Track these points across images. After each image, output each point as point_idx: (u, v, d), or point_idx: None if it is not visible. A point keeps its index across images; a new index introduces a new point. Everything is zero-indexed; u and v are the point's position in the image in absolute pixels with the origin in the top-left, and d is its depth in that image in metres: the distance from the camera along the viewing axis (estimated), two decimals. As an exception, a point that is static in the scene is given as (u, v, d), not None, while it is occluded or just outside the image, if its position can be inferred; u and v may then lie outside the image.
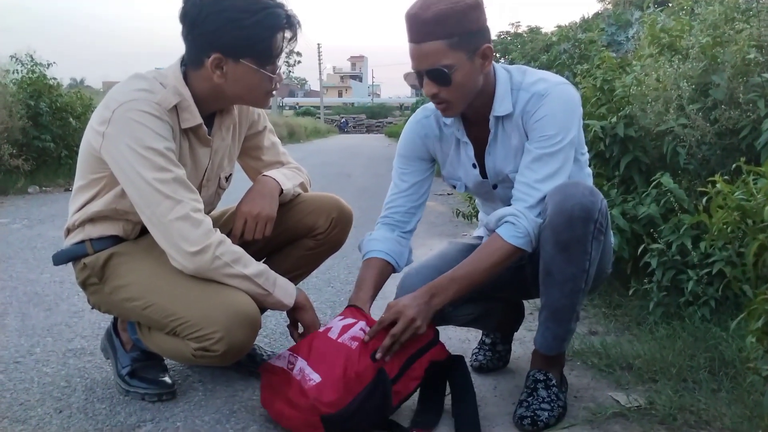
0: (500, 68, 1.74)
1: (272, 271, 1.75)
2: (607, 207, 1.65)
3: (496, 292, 1.92)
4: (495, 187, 1.84)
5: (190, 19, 1.66)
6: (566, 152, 1.65)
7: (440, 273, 1.69)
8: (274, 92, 1.79)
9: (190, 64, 1.72)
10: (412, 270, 1.87)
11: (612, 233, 1.85)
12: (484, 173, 1.83)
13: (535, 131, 1.66)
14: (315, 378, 1.58)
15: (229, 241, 1.69)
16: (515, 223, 1.61)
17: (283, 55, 1.74)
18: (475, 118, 1.74)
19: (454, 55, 1.57)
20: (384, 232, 1.91)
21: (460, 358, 1.78)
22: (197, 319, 1.64)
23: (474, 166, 1.82)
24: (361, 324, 1.67)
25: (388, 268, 1.87)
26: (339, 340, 1.63)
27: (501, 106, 1.70)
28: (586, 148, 1.85)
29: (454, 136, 1.82)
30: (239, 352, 1.70)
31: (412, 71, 1.65)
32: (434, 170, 1.96)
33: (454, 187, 1.93)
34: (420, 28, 1.57)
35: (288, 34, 1.71)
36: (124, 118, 1.61)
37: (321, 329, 1.72)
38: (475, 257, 1.65)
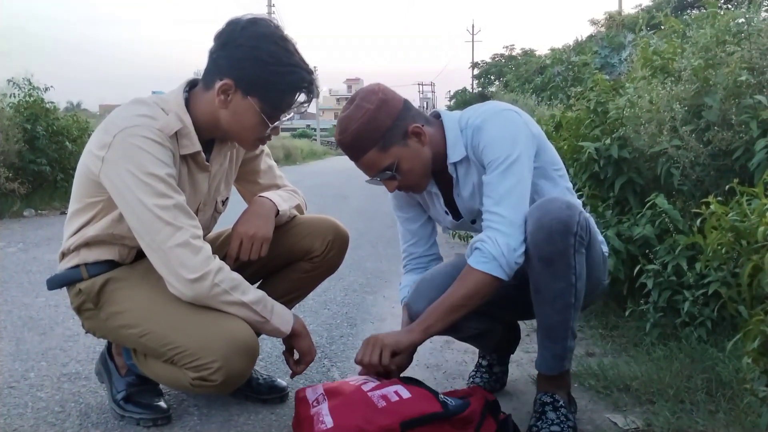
0: (450, 116, 1.80)
1: (270, 298, 1.75)
2: (587, 220, 1.67)
3: (500, 312, 1.95)
4: (473, 222, 1.89)
5: (223, 40, 1.68)
6: (518, 169, 1.66)
7: (452, 280, 1.71)
8: (265, 141, 1.83)
9: (203, 82, 1.73)
10: (427, 276, 1.90)
11: (602, 246, 1.85)
12: (457, 215, 1.88)
13: (485, 160, 1.70)
14: (327, 422, 1.52)
15: (227, 267, 1.68)
16: (481, 249, 1.64)
17: (290, 113, 1.77)
18: (438, 167, 1.79)
19: (388, 154, 1.69)
20: (411, 277, 1.99)
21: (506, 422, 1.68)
22: (195, 348, 1.63)
23: (446, 213, 1.89)
24: (398, 387, 1.60)
25: None
26: (369, 393, 1.58)
27: (455, 152, 1.76)
28: (561, 164, 1.86)
29: None
30: (237, 381, 1.69)
31: (370, 178, 1.75)
32: None
33: (441, 226, 2.00)
34: (349, 150, 1.70)
35: (302, 98, 1.74)
36: (126, 143, 1.61)
37: (358, 381, 1.65)
38: (453, 288, 1.68)
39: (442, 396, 1.61)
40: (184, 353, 1.64)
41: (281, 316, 1.76)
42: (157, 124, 1.65)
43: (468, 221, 1.89)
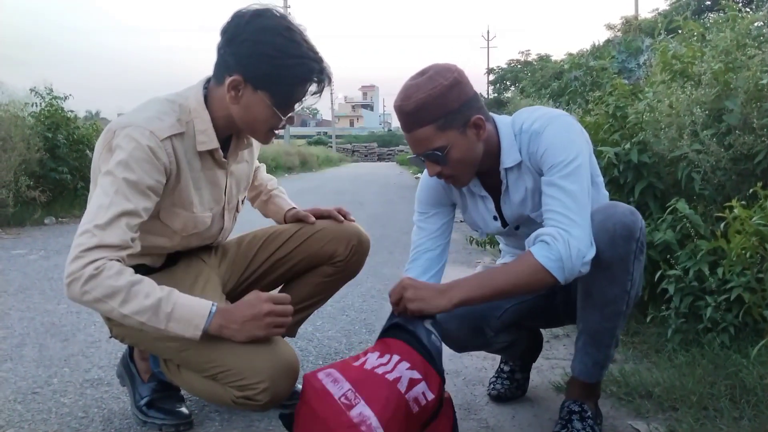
0: (502, 119, 1.75)
1: (173, 300, 1.57)
2: (645, 227, 1.63)
3: (528, 321, 1.93)
4: (517, 228, 1.83)
5: (228, 36, 1.66)
6: (581, 174, 1.59)
7: None
8: (277, 132, 1.79)
9: (214, 78, 1.72)
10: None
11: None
12: (504, 221, 1.82)
13: (545, 164, 1.63)
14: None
15: (111, 273, 1.52)
16: (550, 244, 1.53)
17: (302, 103, 1.74)
18: (487, 171, 1.74)
19: (444, 136, 1.59)
20: (418, 270, 1.85)
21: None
22: (241, 368, 1.61)
23: (495, 218, 1.82)
24: (424, 387, 1.46)
25: None
26: (406, 397, 1.43)
27: (509, 158, 1.70)
28: (599, 171, 1.84)
29: (469, 189, 1.82)
30: (280, 401, 1.68)
31: (415, 156, 1.68)
32: (455, 212, 1.93)
33: (477, 231, 1.93)
34: (406, 119, 1.60)
35: (314, 88, 1.71)
36: (116, 140, 1.61)
37: (389, 373, 1.46)
38: (504, 267, 1.59)
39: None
40: (229, 372, 1.63)
41: (184, 321, 1.57)
42: (152, 126, 1.62)
43: (512, 227, 1.83)
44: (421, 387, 1.46)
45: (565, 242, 1.51)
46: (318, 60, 1.68)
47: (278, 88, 1.66)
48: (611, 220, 1.57)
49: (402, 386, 1.43)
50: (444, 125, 1.58)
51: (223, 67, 1.68)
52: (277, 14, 1.67)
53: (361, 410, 1.38)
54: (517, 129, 1.70)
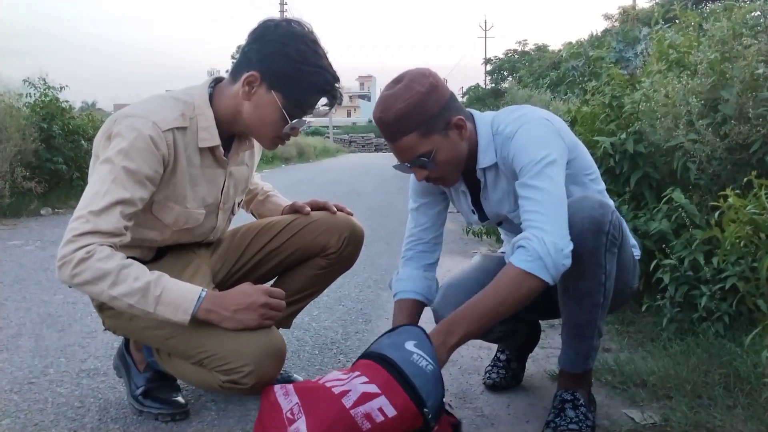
0: (481, 118, 1.76)
1: (162, 284, 1.59)
2: (619, 219, 1.64)
3: (525, 312, 1.93)
4: (500, 224, 1.89)
5: (255, 36, 1.70)
6: (553, 171, 1.60)
7: (481, 286, 1.61)
8: (284, 141, 1.80)
9: (231, 75, 1.75)
10: (454, 281, 1.89)
11: (633, 250, 1.84)
12: (484, 216, 1.86)
13: (516, 167, 1.66)
14: None
15: (102, 256, 1.54)
16: (526, 247, 1.53)
17: (310, 115, 1.77)
18: (467, 168, 1.77)
19: (428, 141, 1.62)
20: (409, 271, 1.93)
21: None
22: (226, 352, 1.62)
23: (473, 212, 1.87)
24: (382, 401, 1.40)
25: (419, 306, 1.89)
26: (352, 412, 1.37)
27: (485, 158, 1.72)
28: (593, 168, 1.83)
29: None
30: (268, 383, 1.68)
31: (400, 164, 1.70)
32: (448, 200, 1.97)
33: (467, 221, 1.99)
34: (388, 129, 1.62)
35: (324, 101, 1.74)
36: (118, 128, 1.62)
37: (338, 387, 1.44)
38: (491, 288, 1.56)
39: (425, 409, 1.41)
40: (215, 357, 1.64)
41: (173, 306, 1.58)
42: (155, 117, 1.63)
43: (494, 223, 1.88)
44: (378, 402, 1.40)
45: (540, 240, 1.51)
46: (334, 77, 1.72)
47: (291, 91, 1.69)
48: (579, 214, 1.59)
49: (349, 400, 1.39)
50: (427, 131, 1.62)
51: (243, 63, 1.71)
52: (306, 27, 1.72)
53: (298, 426, 1.36)
54: (495, 129, 1.73)
